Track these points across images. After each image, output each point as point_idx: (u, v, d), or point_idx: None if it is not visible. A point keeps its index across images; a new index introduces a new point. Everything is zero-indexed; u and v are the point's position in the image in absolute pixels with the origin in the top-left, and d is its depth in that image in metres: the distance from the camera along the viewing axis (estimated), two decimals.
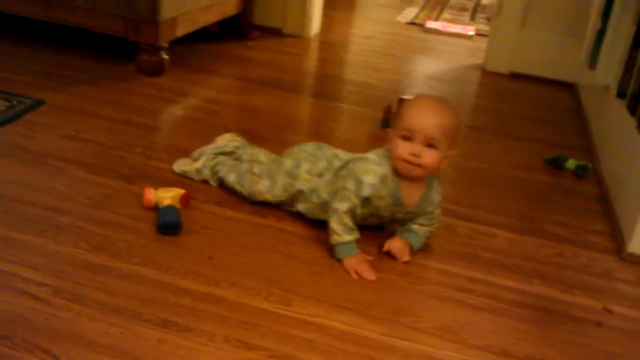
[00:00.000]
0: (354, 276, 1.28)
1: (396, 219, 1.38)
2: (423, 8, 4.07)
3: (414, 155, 1.27)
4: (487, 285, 1.33)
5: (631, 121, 1.71)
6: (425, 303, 1.25)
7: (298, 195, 1.42)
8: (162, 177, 1.55)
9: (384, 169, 1.31)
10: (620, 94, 1.90)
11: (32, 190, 1.44)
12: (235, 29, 2.86)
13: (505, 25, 2.83)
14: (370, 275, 1.28)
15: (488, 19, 3.78)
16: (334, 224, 1.30)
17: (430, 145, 1.27)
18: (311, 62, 2.83)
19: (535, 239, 1.54)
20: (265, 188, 1.44)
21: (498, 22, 2.85)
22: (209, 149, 1.58)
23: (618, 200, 1.69)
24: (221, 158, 1.54)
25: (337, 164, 1.40)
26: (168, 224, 1.33)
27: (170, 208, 1.36)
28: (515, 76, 2.84)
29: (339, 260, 1.31)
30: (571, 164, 1.94)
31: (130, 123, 1.84)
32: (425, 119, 1.27)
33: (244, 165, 1.50)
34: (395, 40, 3.30)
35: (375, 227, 1.42)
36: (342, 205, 1.30)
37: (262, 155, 1.53)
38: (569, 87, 2.76)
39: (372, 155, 1.34)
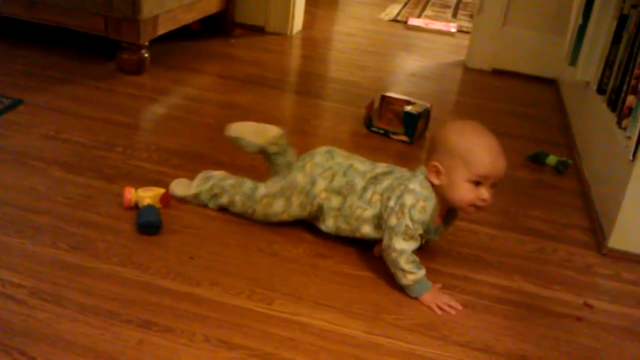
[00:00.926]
0: (439, 312, 1.22)
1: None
2: (405, 5, 4.08)
3: (484, 200, 1.23)
4: (469, 282, 1.33)
5: (611, 117, 1.73)
6: (408, 300, 1.25)
7: (318, 212, 1.36)
8: (143, 177, 1.54)
9: (433, 203, 1.25)
10: (601, 90, 1.92)
11: (11, 190, 1.42)
12: (217, 27, 2.85)
13: (487, 22, 2.84)
14: (456, 305, 1.24)
15: (470, 16, 3.80)
16: (405, 265, 1.23)
17: (494, 184, 1.25)
18: (294, 60, 2.83)
19: (516, 235, 1.55)
20: (281, 208, 1.36)
21: (480, 19, 2.86)
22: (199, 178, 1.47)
23: (598, 196, 1.70)
24: (216, 179, 1.44)
25: (358, 183, 1.32)
26: (148, 224, 1.32)
27: (150, 207, 1.35)
28: (497, 73, 2.85)
29: (415, 298, 1.25)
30: (552, 159, 1.95)
31: (110, 122, 1.83)
32: (497, 164, 1.22)
33: (246, 185, 1.41)
34: (377, 38, 3.30)
35: None
36: (409, 246, 1.23)
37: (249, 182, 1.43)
38: (550, 83, 2.77)
39: (417, 186, 1.25)
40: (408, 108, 1.99)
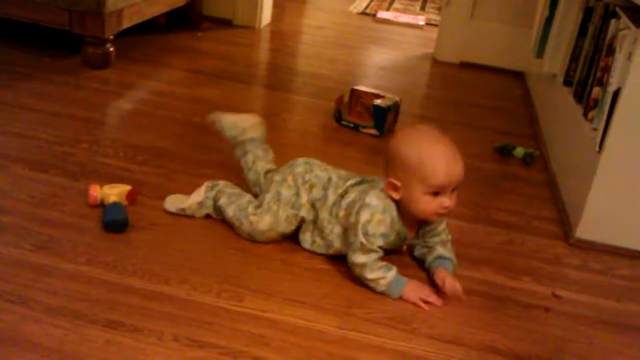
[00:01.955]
0: (425, 307, 1.22)
1: (400, 246, 1.33)
2: None
3: (446, 207, 1.23)
4: None
5: (577, 109, 1.75)
6: (377, 294, 1.25)
7: (301, 223, 1.34)
8: (109, 173, 1.51)
9: (390, 214, 1.24)
10: (567, 82, 1.94)
11: None
12: (184, 20, 2.81)
13: (455, 15, 2.85)
14: (436, 299, 1.23)
15: (438, 9, 3.81)
16: (370, 274, 1.22)
17: (454, 189, 1.23)
18: (262, 53, 2.81)
19: (485, 227, 1.56)
20: (267, 226, 1.32)
21: (448, 12, 2.88)
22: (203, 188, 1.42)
23: (565, 187, 1.72)
24: (221, 185, 1.41)
25: (330, 197, 1.31)
26: (114, 222, 1.29)
27: (116, 205, 1.33)
28: (465, 65, 2.87)
29: (395, 298, 1.24)
30: (519, 151, 1.97)
31: (75, 118, 1.79)
32: (452, 171, 1.20)
33: (244, 199, 1.37)
34: (347, 31, 3.29)
35: None
36: (369, 257, 1.23)
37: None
38: (518, 76, 2.80)
39: (373, 199, 1.23)
40: (377, 101, 1.99)
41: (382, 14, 3.59)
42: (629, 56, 1.40)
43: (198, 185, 1.51)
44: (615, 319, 1.29)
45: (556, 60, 2.10)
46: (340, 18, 3.51)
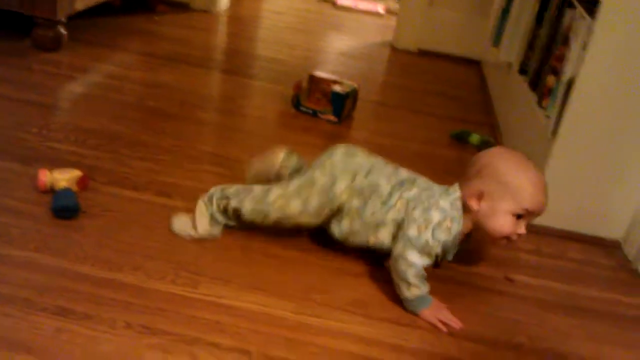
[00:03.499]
0: (443, 329, 1.17)
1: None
2: None
3: (519, 235, 1.20)
4: None
5: (532, 97, 1.77)
6: (337, 279, 1.25)
7: (336, 213, 1.26)
8: (60, 158, 1.47)
9: (459, 226, 1.20)
10: (522, 71, 1.96)
11: None
12: (140, 3, 2.75)
13: (414, 3, 2.86)
14: (456, 322, 1.18)
15: None
16: (413, 278, 1.17)
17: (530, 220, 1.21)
18: (220, 38, 2.77)
19: None
20: (297, 210, 1.24)
21: (407, 0, 2.88)
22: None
23: None
24: (217, 192, 1.30)
25: (383, 185, 1.24)
26: (64, 208, 1.26)
27: (66, 191, 1.29)
28: (423, 53, 2.88)
29: (414, 313, 1.19)
30: (475, 138, 1.99)
31: (26, 102, 1.73)
32: (543, 202, 1.18)
33: (255, 189, 1.28)
34: (306, 17, 3.27)
35: None
36: (422, 261, 1.17)
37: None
38: (475, 64, 2.83)
39: (447, 205, 1.20)
40: (336, 88, 1.99)
41: (342, 1, 3.58)
42: (584, 46, 1.42)
43: (154, 171, 1.48)
44: (567, 301, 1.32)
45: (512, 49, 2.12)
46: (299, 4, 3.48)
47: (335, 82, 2.04)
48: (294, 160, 1.39)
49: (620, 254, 1.52)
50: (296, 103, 2.03)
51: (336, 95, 1.97)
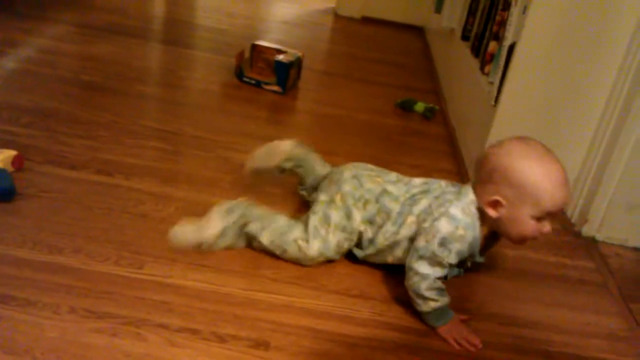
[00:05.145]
0: (457, 347, 1.10)
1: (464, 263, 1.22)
2: None
3: (544, 233, 1.12)
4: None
5: (474, 63, 1.78)
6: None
7: (359, 241, 1.23)
8: None
9: (474, 232, 1.12)
10: (465, 37, 1.97)
11: None
12: None
13: None
14: (476, 342, 1.11)
15: None
16: (426, 291, 1.10)
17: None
18: (158, 7, 2.68)
19: None
20: (317, 252, 1.19)
21: None
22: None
23: (463, 140, 1.77)
24: (241, 207, 1.23)
25: (393, 208, 1.19)
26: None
27: (1, 172, 1.24)
28: (367, 20, 2.86)
29: (432, 328, 1.13)
30: (420, 106, 2.00)
31: None
32: (566, 197, 1.09)
33: (279, 221, 1.22)
34: None
35: None
36: (434, 271, 1.11)
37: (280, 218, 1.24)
38: (418, 31, 2.83)
39: (459, 212, 1.12)
40: (279, 57, 1.95)
41: None
42: (524, 10, 1.43)
43: (93, 149, 1.43)
44: (514, 266, 1.35)
45: (454, 15, 2.13)
46: None
47: (278, 51, 2.01)
48: (299, 153, 1.35)
49: (564, 217, 1.56)
50: (239, 74, 1.99)
51: (280, 64, 1.93)
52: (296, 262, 1.21)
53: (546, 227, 1.11)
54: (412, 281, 1.12)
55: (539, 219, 1.10)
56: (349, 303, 1.14)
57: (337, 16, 2.88)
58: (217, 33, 2.39)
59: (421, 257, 1.11)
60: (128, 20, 2.34)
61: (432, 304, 1.11)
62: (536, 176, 1.07)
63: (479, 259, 1.20)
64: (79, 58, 1.94)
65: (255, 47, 2.02)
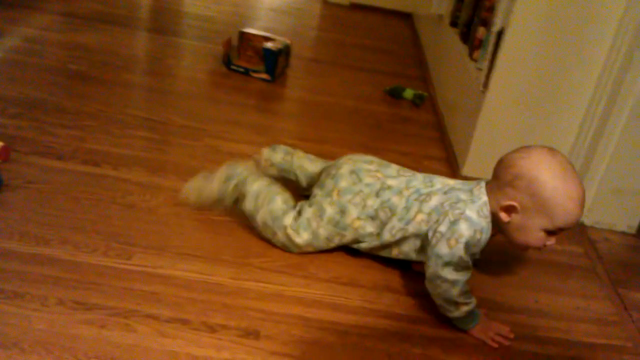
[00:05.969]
0: (494, 345, 1.10)
1: None
2: None
3: (548, 247, 1.12)
4: None
5: (463, 49, 1.78)
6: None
7: (352, 242, 1.22)
8: None
9: (487, 235, 1.11)
10: (453, 23, 1.97)
11: None
12: None
13: None
14: (508, 332, 1.12)
15: None
16: (459, 297, 1.09)
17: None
18: None
19: None
20: (304, 243, 1.20)
21: None
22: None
23: (452, 127, 1.77)
24: (240, 175, 1.25)
25: (398, 203, 1.17)
26: None
27: None
28: (355, 7, 2.85)
29: (464, 331, 1.12)
30: (409, 93, 1.99)
31: None
32: (580, 214, 1.09)
33: (276, 202, 1.22)
34: None
35: None
36: (462, 276, 1.09)
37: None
38: (406, 17, 2.82)
39: (474, 215, 1.10)
40: (268, 45, 1.94)
41: None
42: None
43: (80, 139, 1.42)
44: (501, 250, 1.35)
45: (443, 1, 2.12)
46: None
47: (266, 38, 1.99)
48: (279, 160, 1.35)
49: None
50: (227, 62, 1.97)
51: (268, 52, 1.92)
52: (283, 249, 1.21)
53: (553, 242, 1.11)
54: (442, 289, 1.09)
55: (548, 232, 1.09)
56: (339, 291, 1.15)
57: (325, 3, 2.86)
58: (204, 20, 2.37)
59: (447, 264, 1.08)
60: (114, 8, 2.31)
61: (464, 308, 1.10)
62: (559, 193, 1.06)
63: (477, 256, 1.18)
64: (66, 47, 1.92)
65: (243, 35, 2.01)
